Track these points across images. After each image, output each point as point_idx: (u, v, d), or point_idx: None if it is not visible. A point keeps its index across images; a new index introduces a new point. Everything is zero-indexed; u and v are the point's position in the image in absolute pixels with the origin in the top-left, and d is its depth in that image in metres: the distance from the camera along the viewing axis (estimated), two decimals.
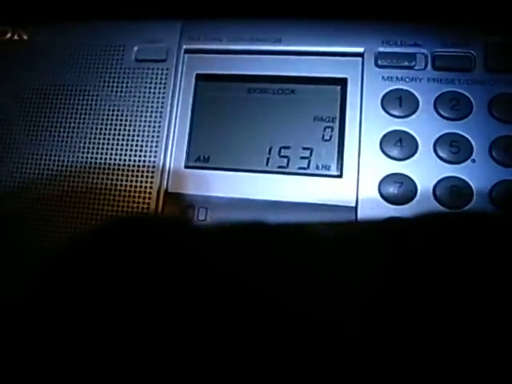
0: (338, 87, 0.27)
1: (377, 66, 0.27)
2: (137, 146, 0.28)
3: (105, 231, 0.27)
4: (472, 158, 0.25)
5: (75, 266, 0.27)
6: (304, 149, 0.27)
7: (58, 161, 0.28)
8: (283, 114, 0.27)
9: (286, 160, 0.27)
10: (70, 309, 0.26)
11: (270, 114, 0.28)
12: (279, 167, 0.27)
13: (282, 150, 0.27)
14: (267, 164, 0.27)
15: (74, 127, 0.29)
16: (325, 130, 0.27)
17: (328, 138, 0.27)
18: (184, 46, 0.29)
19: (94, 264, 0.26)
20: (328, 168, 0.26)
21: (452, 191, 0.25)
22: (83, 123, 0.29)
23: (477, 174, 0.25)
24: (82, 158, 0.28)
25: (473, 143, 0.25)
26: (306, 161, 0.27)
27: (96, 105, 0.29)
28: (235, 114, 0.28)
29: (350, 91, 0.27)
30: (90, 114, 0.29)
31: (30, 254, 0.27)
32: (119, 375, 0.26)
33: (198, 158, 0.28)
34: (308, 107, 0.27)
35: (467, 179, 0.25)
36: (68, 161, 0.28)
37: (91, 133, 0.28)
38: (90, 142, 0.28)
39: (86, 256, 0.27)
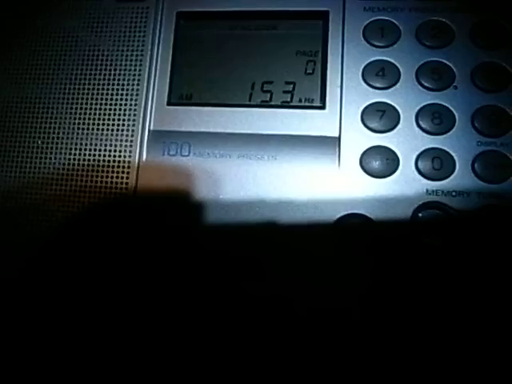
0: (320, 21, 0.27)
1: None
2: (118, 85, 0.27)
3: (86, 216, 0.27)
4: (454, 84, 0.25)
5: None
6: (287, 83, 0.27)
7: (39, 102, 0.28)
8: (265, 49, 0.27)
9: (268, 94, 0.27)
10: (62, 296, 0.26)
11: (252, 50, 0.27)
12: (262, 102, 0.27)
13: (265, 85, 0.27)
14: (250, 99, 0.27)
15: (54, 69, 0.28)
16: (307, 63, 0.27)
17: (310, 71, 0.27)
18: None
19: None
20: (311, 101, 0.26)
21: (434, 117, 0.25)
22: (63, 64, 0.28)
23: (459, 100, 0.25)
24: (63, 98, 0.28)
25: (455, 70, 0.25)
26: (289, 95, 0.27)
27: (76, 46, 0.28)
28: (217, 51, 0.28)
29: (332, 24, 0.27)
30: (70, 56, 0.28)
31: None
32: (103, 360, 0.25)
33: (181, 96, 0.27)
34: (290, 42, 0.27)
35: (449, 105, 0.25)
36: (49, 102, 0.28)
37: (72, 73, 0.28)
38: (70, 83, 0.28)
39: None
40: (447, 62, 0.25)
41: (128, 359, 0.25)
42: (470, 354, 0.23)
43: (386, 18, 0.26)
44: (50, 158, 0.27)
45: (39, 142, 0.28)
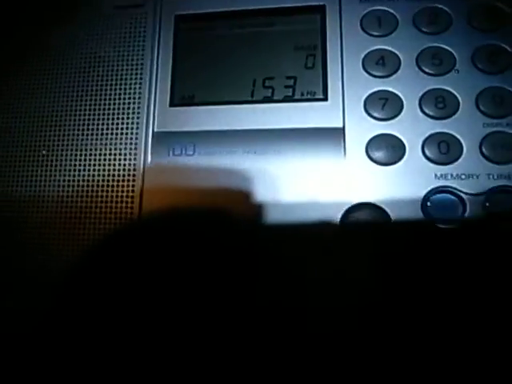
0: (317, 15, 0.27)
1: None
2: (120, 89, 0.28)
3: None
4: (455, 68, 0.25)
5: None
6: (288, 78, 0.27)
7: (42, 111, 0.28)
8: (264, 46, 0.27)
9: (270, 90, 0.27)
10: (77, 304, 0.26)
11: (251, 48, 0.28)
12: (265, 97, 0.27)
13: (266, 81, 0.27)
14: (252, 96, 0.27)
15: (55, 78, 0.28)
16: (307, 58, 0.27)
17: (311, 65, 0.27)
18: None
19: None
20: (313, 94, 0.26)
21: (438, 102, 0.24)
22: (65, 73, 0.28)
23: (461, 84, 0.25)
24: (66, 106, 0.28)
25: (455, 54, 0.25)
26: (291, 89, 0.27)
27: (76, 54, 0.29)
28: (217, 51, 0.28)
29: (329, 17, 0.27)
30: (71, 64, 0.28)
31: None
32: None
33: (183, 97, 0.27)
34: (288, 38, 0.27)
35: (452, 89, 0.25)
36: (52, 110, 0.28)
37: (73, 81, 0.28)
38: (72, 91, 0.28)
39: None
40: (447, 47, 0.25)
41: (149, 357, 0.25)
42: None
43: (383, 8, 0.26)
44: (56, 166, 0.27)
45: (44, 151, 0.28)
